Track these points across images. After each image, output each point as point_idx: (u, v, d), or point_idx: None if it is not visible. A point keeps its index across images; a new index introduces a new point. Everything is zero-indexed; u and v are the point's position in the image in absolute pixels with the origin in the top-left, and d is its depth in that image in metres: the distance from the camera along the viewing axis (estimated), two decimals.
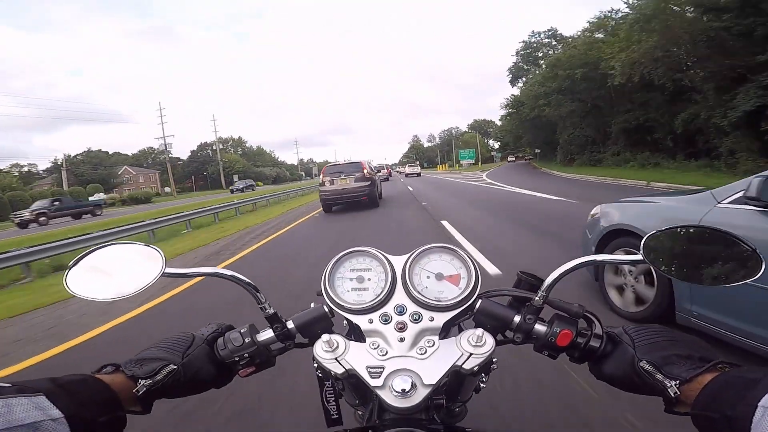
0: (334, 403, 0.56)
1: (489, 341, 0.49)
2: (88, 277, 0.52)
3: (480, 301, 0.53)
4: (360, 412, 0.57)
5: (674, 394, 0.41)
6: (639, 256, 0.50)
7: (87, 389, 0.39)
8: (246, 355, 0.52)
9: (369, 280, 0.56)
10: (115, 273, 0.53)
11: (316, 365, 0.51)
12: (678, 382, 0.41)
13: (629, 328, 0.50)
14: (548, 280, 0.52)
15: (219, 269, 0.54)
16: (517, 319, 0.53)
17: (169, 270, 0.52)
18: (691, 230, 0.52)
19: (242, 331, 0.53)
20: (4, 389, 0.33)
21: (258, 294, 0.54)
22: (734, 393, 0.36)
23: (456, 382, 0.55)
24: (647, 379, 0.43)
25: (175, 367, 0.47)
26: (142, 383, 0.44)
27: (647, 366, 0.43)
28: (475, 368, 0.48)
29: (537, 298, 0.52)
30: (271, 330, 0.54)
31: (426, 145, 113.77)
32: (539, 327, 0.52)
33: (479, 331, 0.49)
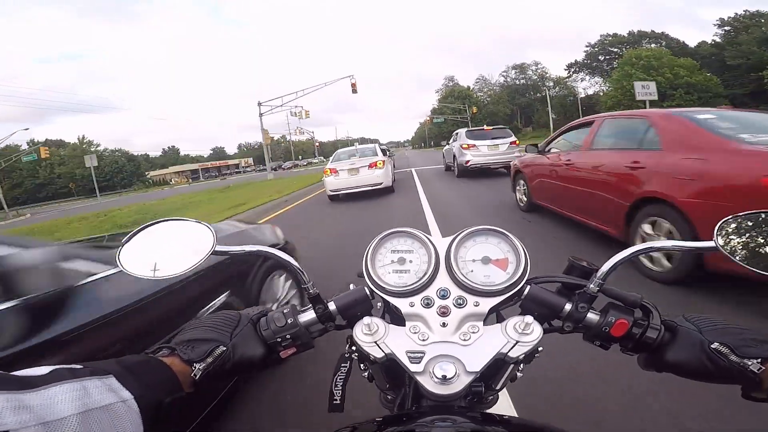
0: (341, 389, 0.54)
1: (537, 329, 0.47)
2: (140, 254, 0.52)
3: (529, 287, 0.51)
4: (390, 396, 0.57)
5: (758, 370, 0.38)
6: (711, 243, 0.45)
7: (151, 371, 0.40)
8: (288, 336, 0.51)
9: (411, 262, 0.54)
10: (166, 250, 0.53)
11: (353, 348, 0.51)
12: (759, 360, 0.38)
13: (689, 316, 0.48)
14: (604, 268, 0.49)
15: (266, 249, 0.54)
16: (568, 307, 0.50)
17: (219, 248, 0.52)
18: None
19: (285, 311, 0.53)
20: (77, 371, 0.33)
21: (303, 274, 0.54)
22: None
23: (494, 369, 0.53)
24: (721, 362, 0.41)
25: (225, 348, 0.47)
26: (197, 367, 0.45)
27: (721, 347, 0.41)
28: (521, 357, 0.46)
29: (592, 286, 0.49)
30: (312, 311, 0.54)
31: (477, 95, 63.18)
32: (592, 316, 0.49)
33: (528, 318, 0.47)
